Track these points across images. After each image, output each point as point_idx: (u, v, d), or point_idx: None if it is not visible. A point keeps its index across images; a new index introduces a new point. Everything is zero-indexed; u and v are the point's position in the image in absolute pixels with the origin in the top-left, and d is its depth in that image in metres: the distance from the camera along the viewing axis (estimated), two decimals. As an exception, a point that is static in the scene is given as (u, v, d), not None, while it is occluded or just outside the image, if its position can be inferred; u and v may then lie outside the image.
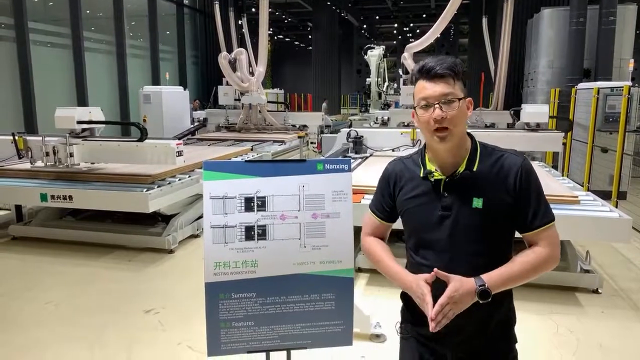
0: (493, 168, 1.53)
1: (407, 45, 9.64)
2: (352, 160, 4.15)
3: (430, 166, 1.58)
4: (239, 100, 10.48)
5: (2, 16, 9.83)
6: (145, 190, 4.87)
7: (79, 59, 11.38)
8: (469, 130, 1.61)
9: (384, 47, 22.10)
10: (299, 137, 9.69)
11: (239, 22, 13.20)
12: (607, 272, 4.61)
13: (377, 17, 33.94)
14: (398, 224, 1.73)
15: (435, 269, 1.45)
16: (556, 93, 9.03)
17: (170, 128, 10.40)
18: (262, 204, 1.86)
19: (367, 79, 21.31)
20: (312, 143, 10.59)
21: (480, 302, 1.41)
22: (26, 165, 5.61)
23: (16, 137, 5.61)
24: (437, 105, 1.48)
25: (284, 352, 1.99)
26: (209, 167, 1.87)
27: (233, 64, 9.43)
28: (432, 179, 1.56)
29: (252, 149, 8.04)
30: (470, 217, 1.51)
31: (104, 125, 5.77)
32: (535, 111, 6.48)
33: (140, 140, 5.20)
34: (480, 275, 1.44)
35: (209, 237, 1.83)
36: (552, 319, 3.68)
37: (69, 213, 6.01)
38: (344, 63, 32.19)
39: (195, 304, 3.82)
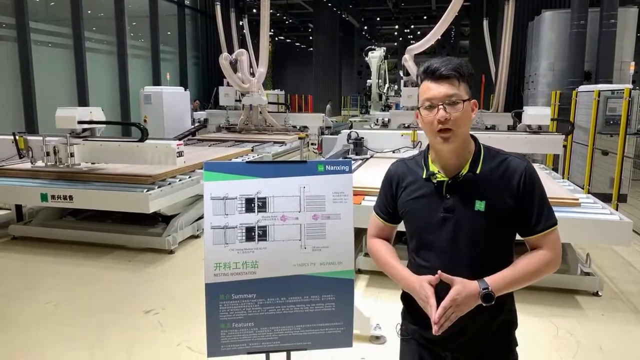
0: (496, 171, 1.52)
1: (408, 47, 9.66)
2: (352, 162, 4.14)
3: (433, 167, 1.58)
4: (239, 101, 10.49)
5: (4, 16, 9.84)
6: (145, 190, 4.87)
7: (80, 59, 11.39)
8: (472, 133, 1.61)
9: (384, 48, 22.15)
10: (300, 138, 9.69)
11: (240, 23, 13.22)
12: (608, 275, 4.60)
13: (378, 19, 33.98)
14: (402, 225, 1.73)
15: (439, 272, 1.45)
16: (557, 95, 9.02)
17: (171, 128, 10.41)
18: (263, 205, 1.86)
19: (368, 81, 21.35)
20: (312, 144, 10.60)
21: (484, 305, 1.41)
22: (27, 165, 5.61)
23: (17, 137, 5.61)
24: (441, 107, 1.47)
25: (284, 354, 1.99)
26: (209, 167, 1.87)
27: (234, 65, 9.44)
28: (435, 181, 1.55)
29: (252, 150, 8.05)
30: (472, 220, 1.50)
31: (104, 126, 5.77)
32: (537, 113, 6.48)
33: (141, 140, 5.21)
34: (484, 278, 1.44)
35: (210, 238, 1.83)
36: (552, 322, 3.68)
37: (69, 213, 6.01)
38: (345, 64, 32.21)
39: (195, 305, 3.82)
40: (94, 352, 3.28)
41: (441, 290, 1.43)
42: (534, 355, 3.19)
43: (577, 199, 4.16)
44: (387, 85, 22.12)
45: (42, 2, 11.36)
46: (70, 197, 4.96)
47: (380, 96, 20.59)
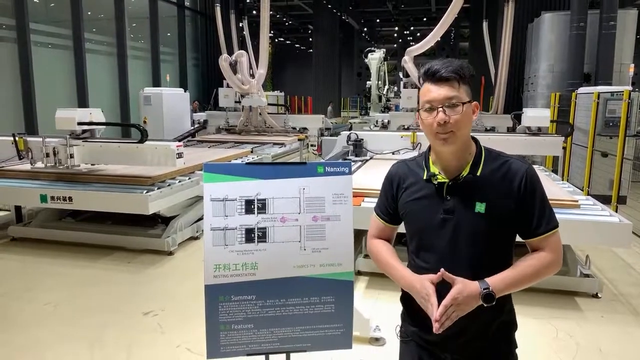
0: (497, 173, 1.52)
1: (408, 49, 9.67)
2: (352, 163, 4.16)
3: (434, 169, 1.58)
4: (239, 102, 10.50)
5: (4, 17, 9.85)
6: (145, 192, 4.87)
7: (80, 60, 11.40)
8: (473, 134, 1.61)
9: (384, 50, 22.18)
10: (299, 139, 9.69)
11: (240, 24, 13.24)
12: (607, 277, 4.60)
13: (378, 20, 34.04)
14: (402, 227, 1.73)
15: (442, 270, 1.45)
16: (556, 97, 9.04)
17: (171, 130, 10.40)
18: (263, 207, 1.86)
19: (368, 82, 21.37)
20: (312, 146, 10.60)
21: (485, 305, 1.41)
22: (26, 166, 5.61)
23: (17, 138, 5.61)
24: (440, 109, 1.47)
25: (284, 355, 1.99)
26: (209, 169, 1.87)
27: (234, 66, 9.44)
28: (436, 182, 1.55)
29: (252, 151, 8.05)
30: (472, 221, 1.50)
31: (104, 127, 5.77)
32: (536, 115, 6.48)
33: (141, 141, 5.21)
34: (485, 279, 1.45)
35: (209, 239, 1.83)
36: (552, 324, 3.68)
37: (69, 214, 6.00)
38: (345, 66, 32.25)
39: (194, 306, 3.82)
40: (94, 352, 3.28)
41: (442, 290, 1.43)
42: (533, 357, 3.19)
43: (577, 201, 4.17)
44: (386, 87, 22.15)
45: (42, 4, 11.37)
46: (70, 199, 4.95)
47: (379, 98, 20.61)
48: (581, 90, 8.20)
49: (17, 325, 3.65)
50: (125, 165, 5.56)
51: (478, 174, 1.52)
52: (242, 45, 12.56)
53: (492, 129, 9.16)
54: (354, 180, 3.75)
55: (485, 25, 13.62)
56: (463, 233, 1.51)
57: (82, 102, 11.31)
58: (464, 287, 1.42)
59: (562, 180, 6.68)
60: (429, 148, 1.62)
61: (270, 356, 1.97)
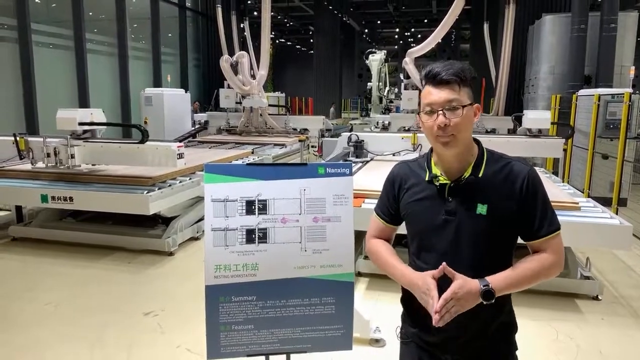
0: (499, 175, 1.52)
1: (409, 50, 9.66)
2: (352, 165, 4.16)
3: (436, 170, 1.58)
4: (240, 103, 10.52)
5: (5, 17, 9.86)
6: (145, 192, 4.88)
7: (81, 61, 11.41)
8: (475, 136, 1.60)
9: (385, 51, 22.21)
10: (300, 140, 9.70)
11: (241, 25, 13.24)
12: (607, 279, 4.60)
13: (379, 22, 34.06)
14: (402, 229, 1.73)
15: (443, 263, 1.45)
16: (557, 99, 9.04)
17: (172, 130, 10.41)
18: (263, 207, 1.86)
19: (368, 84, 21.39)
20: (312, 147, 10.60)
21: (484, 303, 1.41)
22: (27, 166, 5.61)
23: (17, 138, 5.62)
24: (440, 112, 1.47)
25: (284, 356, 1.99)
26: (210, 169, 1.88)
27: (235, 67, 9.45)
28: (437, 183, 1.56)
29: (252, 152, 8.05)
30: (473, 223, 1.50)
31: (105, 127, 5.78)
32: (537, 117, 6.48)
33: (142, 142, 5.21)
34: (485, 277, 1.45)
35: (210, 240, 1.83)
36: (552, 326, 3.68)
37: (70, 214, 6.01)
38: (345, 67, 32.24)
39: (194, 307, 3.82)
40: (94, 353, 3.28)
41: (443, 285, 1.43)
42: (533, 358, 3.19)
43: (577, 203, 4.17)
44: (387, 88, 22.16)
45: (44, 4, 11.39)
46: (71, 199, 4.96)
47: (380, 99, 20.62)
48: (582, 92, 8.19)
49: (17, 325, 3.66)
50: (126, 165, 5.57)
51: (480, 175, 1.52)
52: (243, 46, 12.57)
53: (492, 131, 9.16)
54: (355, 182, 3.76)
55: (486, 27, 13.63)
56: (464, 234, 1.51)
57: (83, 103, 11.33)
58: (464, 283, 1.42)
59: (563, 182, 6.68)
60: (431, 149, 1.62)
61: (271, 357, 1.97)
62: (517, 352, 1.64)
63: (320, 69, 24.66)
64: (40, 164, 5.49)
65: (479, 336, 1.56)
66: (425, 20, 30.35)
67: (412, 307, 1.63)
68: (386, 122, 11.08)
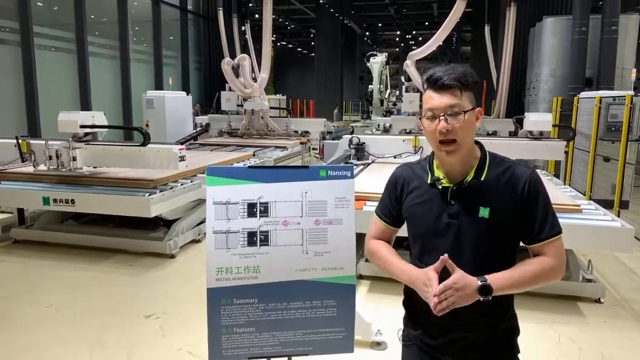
0: (501, 178, 1.52)
1: (410, 53, 9.66)
2: (354, 167, 4.17)
3: (438, 173, 1.58)
4: (241, 105, 10.51)
5: (8, 20, 9.90)
6: (147, 194, 4.88)
7: (82, 64, 11.45)
8: (478, 139, 1.60)
9: (386, 54, 22.22)
10: (301, 143, 9.70)
11: (243, 28, 13.27)
12: (609, 282, 4.59)
13: (380, 25, 34.13)
14: (403, 231, 1.72)
15: (445, 255, 1.44)
16: (558, 102, 9.04)
17: (173, 133, 10.43)
18: (265, 210, 1.86)
19: (370, 86, 21.39)
20: (314, 149, 10.61)
21: (482, 299, 1.41)
22: (29, 169, 5.62)
23: (20, 141, 5.63)
24: (442, 117, 1.47)
25: (285, 359, 1.98)
26: (212, 172, 1.88)
27: (236, 70, 9.46)
28: (440, 186, 1.55)
29: (254, 155, 8.05)
30: (476, 226, 1.50)
31: (106, 130, 5.78)
32: (538, 120, 6.48)
33: (143, 144, 5.22)
34: (484, 275, 1.44)
35: (212, 243, 1.83)
36: (554, 329, 3.67)
37: (71, 217, 6.01)
38: (347, 70, 32.30)
39: (195, 310, 3.82)
40: (94, 355, 3.28)
41: (444, 280, 1.43)
42: (535, 362, 3.18)
43: (579, 205, 4.16)
44: (388, 91, 22.17)
45: (46, 7, 11.43)
46: (72, 201, 4.96)
47: (381, 101, 20.63)
48: (583, 94, 8.19)
49: (18, 326, 3.66)
50: (128, 168, 5.57)
51: (482, 178, 1.52)
52: (245, 49, 12.58)
53: (494, 133, 9.15)
54: (356, 184, 3.76)
55: (487, 29, 13.63)
56: (467, 237, 1.51)
57: (85, 105, 11.36)
58: (462, 275, 1.42)
59: (564, 184, 6.67)
60: (433, 152, 1.62)
61: (272, 360, 1.97)
62: (519, 355, 1.63)
63: (321, 71, 24.71)
64: (42, 167, 5.50)
65: (481, 339, 1.55)
66: (426, 23, 30.41)
67: (414, 310, 1.63)
68: (387, 125, 11.08)
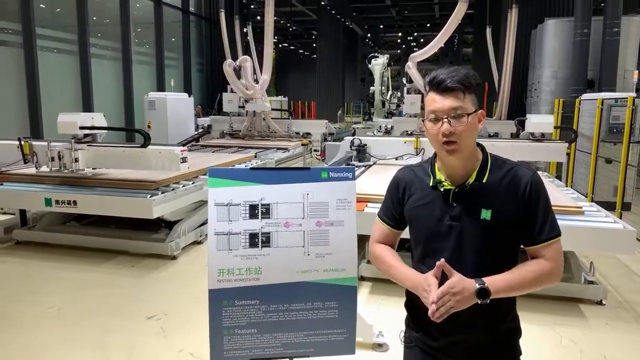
0: (503, 180, 1.52)
1: (411, 55, 9.66)
2: (355, 169, 4.17)
3: (440, 175, 1.58)
4: (243, 107, 10.52)
5: (10, 22, 9.93)
6: (149, 196, 4.88)
7: (85, 65, 11.48)
8: (479, 141, 1.60)
9: (388, 56, 22.17)
10: (303, 144, 9.71)
11: (244, 29, 13.29)
12: (611, 284, 4.58)
13: (382, 26, 34.12)
14: (404, 233, 1.72)
15: (442, 260, 1.44)
16: (560, 103, 9.03)
17: (175, 134, 10.45)
18: (267, 212, 1.87)
19: (371, 88, 21.36)
20: (315, 151, 10.61)
21: (479, 302, 1.41)
22: (31, 170, 5.64)
23: (22, 142, 5.64)
24: (445, 120, 1.47)
25: (287, 360, 1.99)
26: (214, 174, 1.88)
27: (238, 72, 9.47)
28: (442, 189, 1.56)
29: (255, 156, 8.06)
30: (477, 228, 1.51)
31: (106, 131, 5.79)
32: (540, 121, 6.48)
33: (144, 146, 5.22)
34: (482, 278, 1.44)
35: (213, 244, 1.84)
36: (556, 330, 3.66)
37: (73, 218, 6.02)
38: (348, 71, 32.30)
39: (197, 311, 3.82)
40: (96, 356, 3.28)
41: (444, 283, 1.43)
42: (537, 364, 3.18)
43: (581, 207, 4.15)
44: (390, 93, 22.15)
45: (48, 9, 11.46)
46: (74, 202, 4.97)
47: (383, 103, 20.60)
48: (585, 96, 8.19)
49: (20, 328, 3.66)
50: (130, 169, 5.58)
51: (484, 181, 1.52)
52: (246, 51, 12.60)
53: (495, 135, 9.14)
54: (357, 186, 3.76)
55: (488, 31, 13.62)
56: (468, 240, 1.51)
57: (87, 107, 11.38)
58: (460, 279, 1.42)
59: (566, 186, 6.66)
60: (435, 154, 1.62)
61: (273, 361, 1.97)
62: (521, 357, 1.63)
63: (323, 73, 24.72)
64: (44, 168, 5.52)
65: (483, 341, 1.55)
66: (428, 25, 30.42)
67: (415, 312, 1.63)
68: (389, 126, 11.08)
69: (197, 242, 5.73)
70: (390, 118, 15.53)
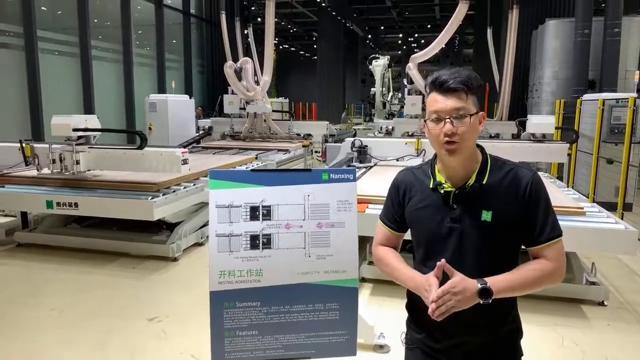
0: (503, 181, 1.52)
1: (412, 56, 9.68)
2: (356, 170, 4.16)
3: (440, 177, 1.58)
4: (244, 109, 10.53)
5: (12, 25, 9.95)
6: (150, 198, 4.89)
7: (86, 67, 11.50)
8: (479, 142, 1.61)
9: (388, 57, 22.20)
10: (304, 146, 9.72)
11: (245, 31, 13.32)
12: (613, 284, 4.58)
13: (382, 28, 34.12)
14: (407, 234, 1.72)
15: (442, 260, 1.44)
16: (561, 104, 9.03)
17: (176, 136, 10.46)
18: (268, 213, 1.86)
19: (372, 89, 21.38)
20: (316, 152, 10.61)
21: (482, 302, 1.40)
22: (33, 172, 5.64)
23: (23, 144, 5.65)
24: (448, 120, 1.47)
25: (288, 362, 1.98)
26: (215, 175, 1.88)
27: (239, 73, 9.49)
28: (442, 191, 1.56)
29: (256, 158, 8.07)
30: (478, 230, 1.50)
31: (99, 133, 5.79)
32: (541, 122, 6.48)
33: (140, 147, 5.21)
34: (484, 278, 1.44)
35: (214, 246, 1.83)
36: (557, 331, 3.66)
37: (74, 220, 6.03)
38: (349, 73, 32.31)
39: (198, 313, 3.82)
40: (97, 358, 3.28)
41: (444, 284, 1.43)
42: (539, 365, 3.17)
43: (582, 208, 4.15)
44: (390, 94, 22.15)
45: (50, 11, 11.49)
46: (76, 204, 4.98)
47: (384, 104, 20.60)
48: (586, 97, 8.18)
49: (21, 330, 3.67)
50: (131, 171, 5.59)
51: (484, 182, 1.52)
52: (247, 52, 12.62)
53: (496, 136, 9.14)
54: (358, 187, 3.76)
55: (489, 32, 13.64)
56: (469, 241, 1.51)
57: (88, 109, 11.40)
58: (462, 279, 1.42)
59: (567, 187, 6.66)
60: (435, 156, 1.63)
61: (275, 363, 1.97)
62: (522, 358, 1.63)
63: (323, 74, 24.73)
64: (45, 170, 5.52)
65: (485, 343, 1.55)
66: (429, 26, 30.42)
67: (417, 313, 1.63)
68: (389, 127, 11.09)
69: (198, 244, 5.74)
70: (391, 119, 15.54)
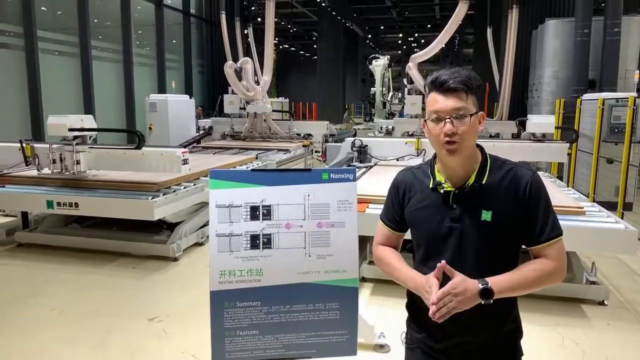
0: (503, 181, 1.53)
1: (412, 55, 9.68)
2: (356, 170, 4.16)
3: (440, 177, 1.58)
4: (244, 109, 10.53)
5: (12, 25, 9.95)
6: (150, 198, 4.90)
7: (86, 67, 11.49)
8: (479, 142, 1.61)
9: (388, 56, 22.21)
10: (304, 145, 9.72)
11: (245, 31, 13.32)
12: (613, 284, 4.58)
13: (382, 27, 34.10)
14: (407, 234, 1.73)
15: (442, 261, 1.45)
16: (561, 104, 9.03)
17: (176, 136, 10.45)
18: (268, 213, 1.87)
19: (372, 89, 21.38)
20: (316, 152, 10.61)
21: (483, 302, 1.41)
22: (33, 172, 5.65)
23: (24, 144, 5.65)
24: (448, 120, 1.48)
25: (288, 362, 1.99)
26: (215, 175, 1.88)
27: (239, 73, 9.49)
28: (442, 191, 1.56)
29: (257, 158, 8.07)
30: (478, 230, 1.51)
31: (95, 133, 5.78)
32: (541, 122, 6.48)
33: (138, 147, 5.21)
34: (485, 278, 1.44)
35: (215, 246, 1.84)
36: (557, 331, 3.66)
37: (75, 220, 6.03)
38: (349, 72, 32.30)
39: (199, 313, 3.82)
40: (98, 358, 3.29)
41: (445, 284, 1.43)
42: (539, 364, 3.17)
43: (582, 208, 4.15)
44: (391, 93, 22.16)
45: (50, 11, 11.48)
46: (76, 204, 4.98)
47: (384, 104, 20.61)
48: (586, 96, 8.18)
49: (22, 330, 3.67)
50: (131, 171, 5.59)
51: (484, 182, 1.53)
52: (247, 52, 12.62)
53: (496, 135, 9.14)
54: (358, 187, 3.76)
55: (489, 31, 13.64)
56: (469, 241, 1.51)
57: (89, 109, 11.40)
58: (462, 280, 1.42)
59: (567, 186, 6.66)
60: (435, 156, 1.63)
61: (275, 363, 1.97)
62: (523, 358, 1.63)
63: (323, 74, 24.72)
64: (46, 170, 5.52)
65: (485, 343, 1.55)
66: (429, 26, 30.40)
67: (417, 313, 1.63)
68: (390, 127, 11.09)
69: (198, 244, 5.74)
70: (391, 119, 15.54)
